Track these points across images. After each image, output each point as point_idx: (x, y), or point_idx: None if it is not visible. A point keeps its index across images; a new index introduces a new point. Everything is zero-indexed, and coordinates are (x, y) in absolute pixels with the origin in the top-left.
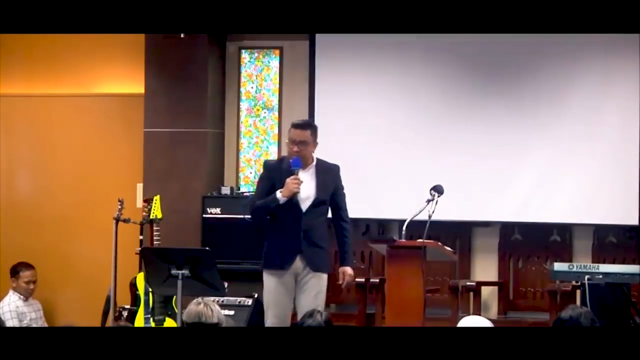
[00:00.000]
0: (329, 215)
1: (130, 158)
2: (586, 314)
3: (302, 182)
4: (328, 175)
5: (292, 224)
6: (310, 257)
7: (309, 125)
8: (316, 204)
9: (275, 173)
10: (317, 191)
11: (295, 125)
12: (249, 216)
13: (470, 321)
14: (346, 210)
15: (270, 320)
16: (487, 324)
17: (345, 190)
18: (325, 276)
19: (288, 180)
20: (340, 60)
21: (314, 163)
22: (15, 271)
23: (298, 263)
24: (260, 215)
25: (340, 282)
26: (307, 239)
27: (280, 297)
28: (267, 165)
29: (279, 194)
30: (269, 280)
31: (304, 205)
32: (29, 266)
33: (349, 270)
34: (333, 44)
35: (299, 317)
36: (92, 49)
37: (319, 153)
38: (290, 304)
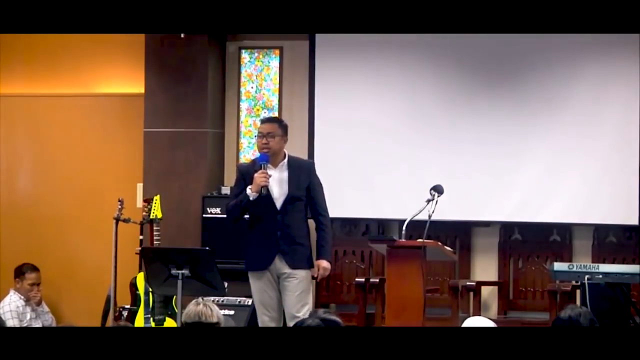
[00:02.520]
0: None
1: (130, 158)
2: (585, 314)
3: (270, 175)
4: (301, 171)
5: (269, 223)
6: (290, 255)
7: (275, 119)
8: (290, 200)
9: (248, 174)
10: (290, 187)
11: (262, 120)
12: (225, 215)
13: (473, 322)
14: (324, 204)
15: (261, 320)
16: (490, 325)
17: (322, 187)
18: (307, 273)
19: (256, 175)
20: (340, 60)
21: (286, 160)
22: (20, 272)
23: (278, 262)
24: (234, 214)
25: (315, 275)
26: (285, 237)
27: (266, 297)
28: (240, 168)
29: (248, 190)
30: (253, 282)
31: (279, 203)
32: (34, 268)
33: (323, 263)
34: (333, 44)
35: (287, 318)
36: (92, 49)
37: (320, 151)
38: (279, 302)
